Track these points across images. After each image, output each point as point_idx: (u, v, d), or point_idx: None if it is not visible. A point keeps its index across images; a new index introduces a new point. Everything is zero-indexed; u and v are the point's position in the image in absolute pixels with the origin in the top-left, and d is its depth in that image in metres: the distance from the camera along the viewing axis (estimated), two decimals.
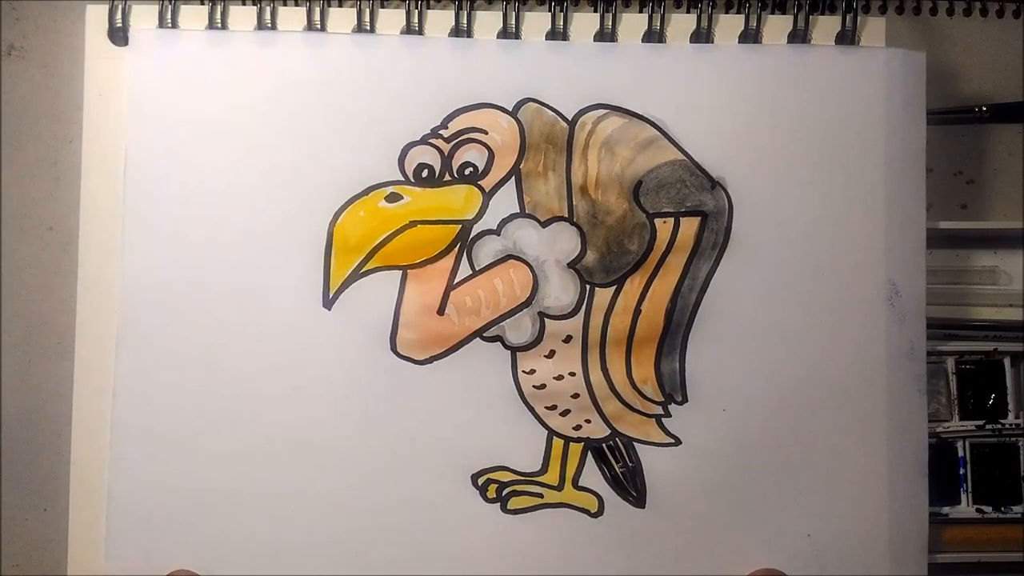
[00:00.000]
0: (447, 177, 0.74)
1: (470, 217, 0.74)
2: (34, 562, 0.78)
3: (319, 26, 0.76)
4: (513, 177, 0.75)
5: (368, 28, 0.76)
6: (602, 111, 0.75)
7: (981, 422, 0.80)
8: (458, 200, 0.74)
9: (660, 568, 0.75)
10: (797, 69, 0.76)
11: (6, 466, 0.78)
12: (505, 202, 0.75)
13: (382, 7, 0.77)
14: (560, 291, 0.74)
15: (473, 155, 0.74)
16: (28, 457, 0.78)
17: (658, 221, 0.75)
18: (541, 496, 0.75)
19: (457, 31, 0.76)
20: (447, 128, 0.74)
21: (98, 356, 0.74)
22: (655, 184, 0.75)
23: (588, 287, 0.75)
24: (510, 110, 0.75)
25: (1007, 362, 0.81)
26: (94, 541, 0.74)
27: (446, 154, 0.74)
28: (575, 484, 0.75)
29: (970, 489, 0.80)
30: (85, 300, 0.75)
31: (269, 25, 0.76)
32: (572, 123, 0.75)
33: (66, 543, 0.75)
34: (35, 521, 0.78)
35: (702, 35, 0.77)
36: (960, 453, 0.80)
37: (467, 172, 0.74)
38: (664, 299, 0.75)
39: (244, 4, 0.78)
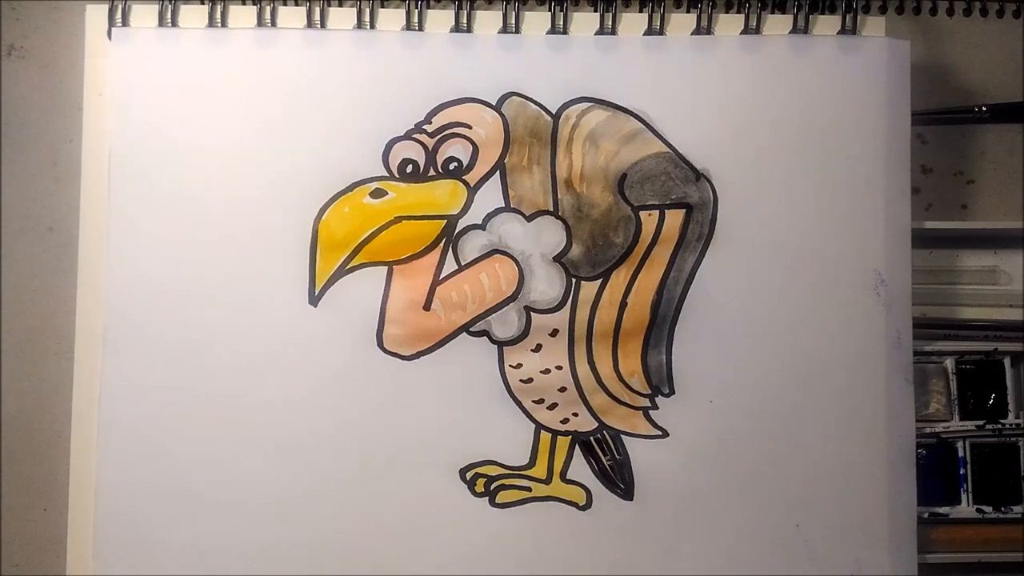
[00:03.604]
0: (432, 172, 0.75)
1: (455, 212, 0.75)
2: (34, 562, 0.78)
3: (319, 26, 0.76)
4: (498, 171, 0.75)
5: (368, 28, 0.76)
6: (586, 104, 0.75)
7: (981, 422, 0.80)
8: (443, 195, 0.75)
9: (648, 559, 0.74)
10: (783, 61, 0.76)
11: (6, 466, 0.78)
12: (490, 196, 0.75)
13: (382, 7, 0.77)
14: (546, 285, 0.74)
15: (457, 150, 0.75)
16: (28, 457, 0.78)
17: (643, 214, 0.75)
18: (529, 490, 0.75)
19: (457, 31, 0.76)
20: (431, 123, 0.75)
21: (97, 356, 0.75)
22: (640, 177, 0.75)
23: (574, 280, 0.75)
24: (494, 104, 0.75)
25: (1007, 362, 0.80)
26: None
27: (430, 149, 0.74)
28: (563, 477, 0.75)
29: (970, 489, 0.79)
30: (85, 300, 0.76)
31: (269, 24, 0.76)
32: (556, 117, 0.75)
33: (66, 543, 0.75)
34: (35, 521, 0.78)
35: (702, 34, 0.76)
36: (960, 453, 0.80)
37: (452, 167, 0.75)
38: (650, 292, 0.74)
39: (244, 3, 0.78)
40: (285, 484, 0.74)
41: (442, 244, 0.75)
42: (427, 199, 0.74)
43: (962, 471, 0.79)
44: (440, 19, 0.76)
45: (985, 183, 0.82)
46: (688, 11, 0.78)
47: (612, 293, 0.75)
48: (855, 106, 0.75)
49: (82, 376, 0.75)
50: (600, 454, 0.75)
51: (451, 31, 0.76)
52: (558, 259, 0.74)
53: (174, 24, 0.76)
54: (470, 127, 0.75)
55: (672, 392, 0.75)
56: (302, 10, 0.76)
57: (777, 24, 0.77)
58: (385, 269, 0.74)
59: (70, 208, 0.78)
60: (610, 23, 0.76)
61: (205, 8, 0.76)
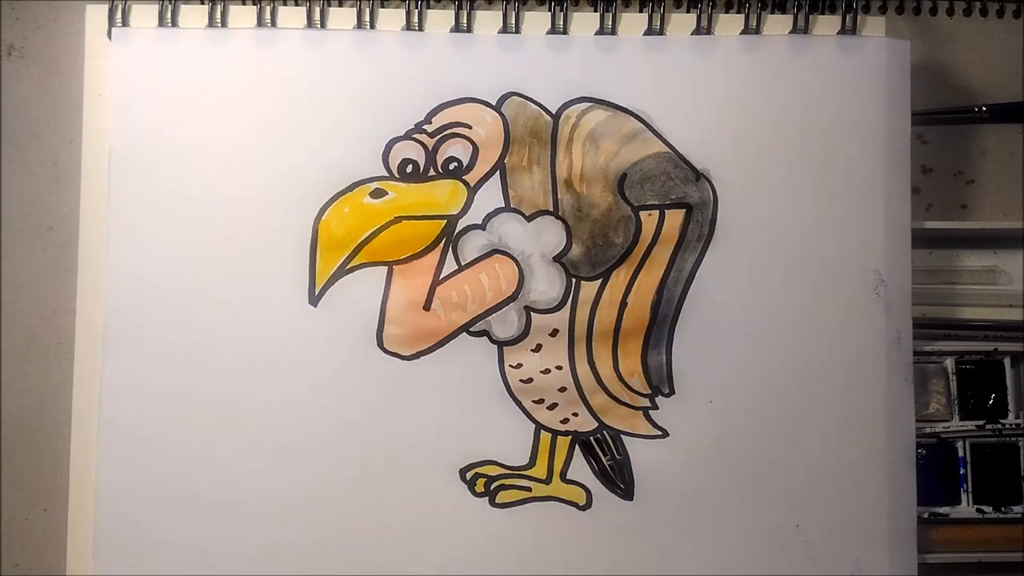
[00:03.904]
0: (432, 172, 0.75)
1: (455, 212, 0.75)
2: (34, 562, 0.78)
3: (319, 26, 0.76)
4: (498, 171, 0.75)
5: (368, 28, 0.76)
6: (586, 104, 0.75)
7: (981, 422, 0.80)
8: (443, 195, 0.75)
9: (648, 559, 0.74)
10: (783, 61, 0.76)
11: (6, 466, 0.78)
12: (490, 196, 0.75)
13: (382, 7, 0.77)
14: (546, 285, 0.74)
15: (457, 150, 0.74)
16: (28, 457, 0.78)
17: (643, 214, 0.75)
18: (529, 490, 0.75)
19: (457, 31, 0.76)
20: (431, 123, 0.74)
21: (97, 356, 0.75)
22: (640, 177, 0.75)
23: (574, 280, 0.75)
24: (494, 104, 0.75)
25: (1007, 362, 0.80)
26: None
27: (430, 149, 0.74)
28: (563, 477, 0.75)
29: (970, 489, 0.79)
30: (85, 300, 0.75)
31: (269, 24, 0.76)
32: (556, 117, 0.75)
33: (66, 543, 0.75)
34: (35, 521, 0.78)
35: (702, 34, 0.76)
36: (960, 453, 0.80)
37: (452, 167, 0.74)
38: (650, 292, 0.74)
39: (244, 4, 0.78)
40: (285, 484, 0.74)
41: (442, 244, 0.75)
42: (427, 199, 0.74)
43: (962, 471, 0.79)
44: (440, 19, 0.76)
45: (985, 183, 0.82)
46: (688, 11, 0.78)
47: (612, 293, 0.74)
48: (855, 106, 0.75)
49: (82, 376, 0.75)
50: (600, 454, 0.75)
51: (451, 31, 0.76)
52: (558, 259, 0.74)
53: (174, 24, 0.76)
54: (470, 127, 0.75)
55: (672, 392, 0.75)
56: (302, 10, 0.76)
57: (777, 24, 0.77)
58: (385, 269, 0.74)
59: (70, 208, 0.78)
60: (610, 23, 0.76)
61: (205, 8, 0.76)
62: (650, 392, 0.75)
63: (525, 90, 0.75)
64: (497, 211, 0.75)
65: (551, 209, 0.75)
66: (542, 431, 0.75)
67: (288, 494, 0.74)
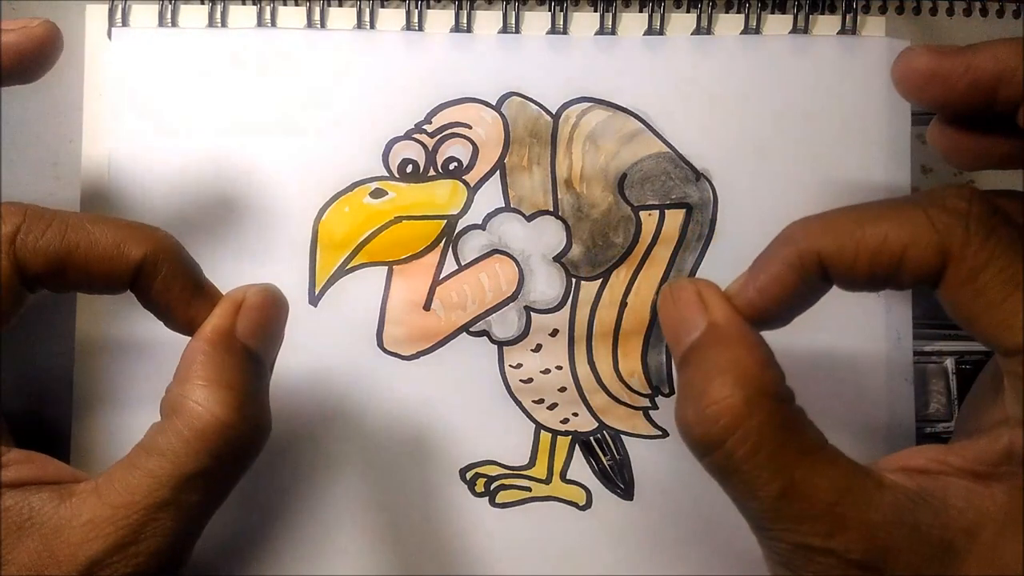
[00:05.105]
0: (431, 172, 0.75)
1: (455, 212, 0.75)
2: None
3: (319, 26, 0.76)
4: (498, 171, 0.75)
5: (368, 28, 0.76)
6: (586, 104, 0.75)
7: None
8: (443, 195, 0.75)
9: (649, 559, 0.74)
10: (783, 61, 0.76)
11: None
12: (490, 196, 0.75)
13: (382, 7, 0.77)
14: (546, 285, 0.74)
15: (457, 150, 0.75)
16: None
17: (643, 214, 0.75)
18: (529, 490, 0.75)
19: (457, 31, 0.76)
20: (431, 123, 0.75)
21: (97, 357, 0.75)
22: (640, 177, 0.75)
23: (574, 281, 0.75)
24: (494, 104, 0.75)
25: None
26: None
27: (430, 149, 0.74)
28: (563, 477, 0.75)
29: None
30: (85, 300, 0.75)
31: (269, 24, 0.76)
32: (556, 117, 0.75)
33: None
34: None
35: (702, 34, 0.76)
36: None
37: (452, 167, 0.75)
38: (650, 292, 0.74)
39: (244, 3, 0.78)
40: (283, 484, 0.74)
41: (442, 244, 0.75)
42: (427, 199, 0.75)
43: None
44: (440, 19, 0.76)
45: (985, 183, 0.81)
46: (688, 11, 0.78)
47: (612, 293, 0.75)
48: (855, 106, 0.75)
49: (82, 377, 0.75)
50: (600, 454, 0.75)
51: (451, 31, 0.76)
52: (558, 259, 0.74)
53: (174, 24, 0.76)
54: (470, 127, 0.75)
55: (672, 392, 0.75)
56: (302, 10, 0.76)
57: (777, 24, 0.77)
58: (385, 269, 0.74)
59: (70, 208, 0.77)
60: (610, 23, 0.76)
61: (205, 8, 0.76)
62: (650, 392, 0.75)
63: (525, 90, 0.75)
64: (497, 211, 0.75)
65: (551, 209, 0.75)
66: (542, 431, 0.75)
67: (286, 494, 0.74)
